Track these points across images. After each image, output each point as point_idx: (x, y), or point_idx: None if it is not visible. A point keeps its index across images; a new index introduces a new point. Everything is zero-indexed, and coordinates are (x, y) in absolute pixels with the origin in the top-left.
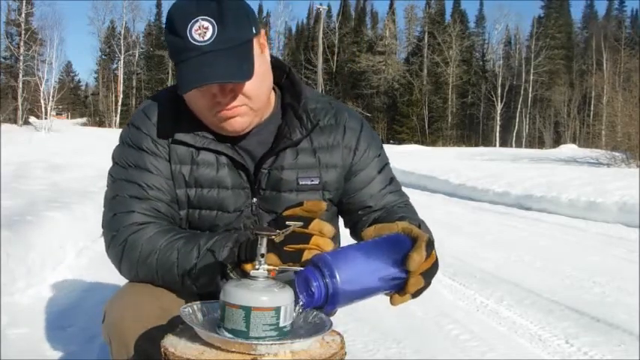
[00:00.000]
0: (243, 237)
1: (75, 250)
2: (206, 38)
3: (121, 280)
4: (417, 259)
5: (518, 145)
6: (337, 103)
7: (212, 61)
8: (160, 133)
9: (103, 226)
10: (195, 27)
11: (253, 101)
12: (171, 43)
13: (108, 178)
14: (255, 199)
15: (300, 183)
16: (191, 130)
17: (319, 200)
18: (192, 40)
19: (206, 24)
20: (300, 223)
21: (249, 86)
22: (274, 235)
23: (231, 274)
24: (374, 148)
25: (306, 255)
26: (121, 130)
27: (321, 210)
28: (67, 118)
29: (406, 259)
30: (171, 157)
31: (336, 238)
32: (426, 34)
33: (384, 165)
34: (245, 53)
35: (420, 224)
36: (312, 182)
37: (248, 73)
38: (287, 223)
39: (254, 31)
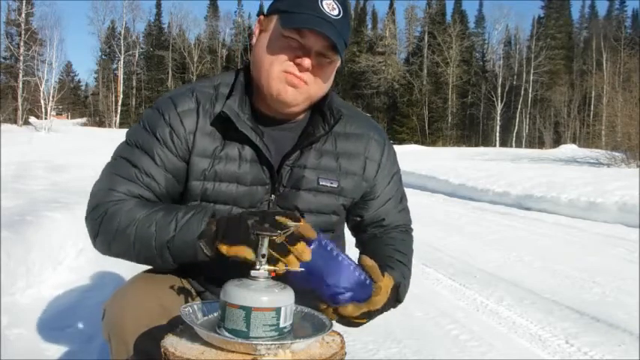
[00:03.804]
0: (221, 213)
1: (75, 250)
2: (333, 13)
3: (122, 280)
4: (348, 311)
5: (518, 145)
6: (364, 115)
7: (330, 28)
8: (184, 123)
9: (89, 195)
10: (328, 1)
11: (316, 87)
12: None
13: (113, 152)
14: (273, 196)
15: (320, 184)
16: (237, 112)
17: (312, 227)
18: (320, 6)
19: (335, 5)
20: (301, 224)
21: (324, 72)
22: (275, 236)
23: (205, 250)
24: (395, 164)
25: (278, 270)
26: (120, 130)
27: (309, 238)
28: (67, 118)
29: (344, 304)
30: (193, 149)
31: (340, 241)
32: (426, 34)
33: (399, 180)
34: (344, 45)
35: (401, 265)
36: (332, 185)
37: (342, 59)
38: (288, 224)
39: (348, 40)
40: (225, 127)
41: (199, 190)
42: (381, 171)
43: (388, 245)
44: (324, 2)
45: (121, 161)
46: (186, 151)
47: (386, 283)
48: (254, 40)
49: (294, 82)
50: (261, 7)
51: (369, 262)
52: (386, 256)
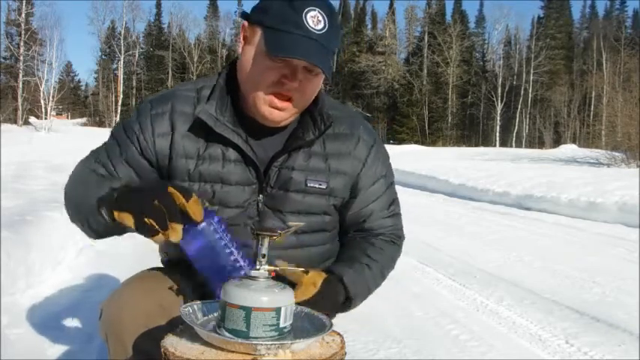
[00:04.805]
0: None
1: (75, 250)
2: (317, 28)
3: (121, 280)
4: None
5: (518, 145)
6: (354, 114)
7: (315, 48)
8: (153, 125)
9: None
10: (312, 14)
11: (304, 101)
12: (279, 10)
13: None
14: (261, 196)
15: (309, 185)
16: (214, 115)
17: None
18: (305, 22)
19: (321, 17)
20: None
21: (312, 87)
22: (275, 236)
23: (103, 214)
24: (382, 165)
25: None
26: None
27: (195, 220)
28: (67, 118)
29: None
30: (173, 151)
31: (336, 240)
32: (426, 34)
33: (389, 185)
34: (332, 58)
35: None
36: (320, 186)
37: (331, 74)
38: (289, 224)
39: (338, 47)
40: (206, 128)
41: None
42: (366, 170)
43: (357, 249)
44: (308, 16)
45: (101, 147)
46: (152, 154)
47: (310, 278)
48: (240, 48)
49: (278, 106)
50: (252, 10)
51: (279, 263)
52: (347, 255)
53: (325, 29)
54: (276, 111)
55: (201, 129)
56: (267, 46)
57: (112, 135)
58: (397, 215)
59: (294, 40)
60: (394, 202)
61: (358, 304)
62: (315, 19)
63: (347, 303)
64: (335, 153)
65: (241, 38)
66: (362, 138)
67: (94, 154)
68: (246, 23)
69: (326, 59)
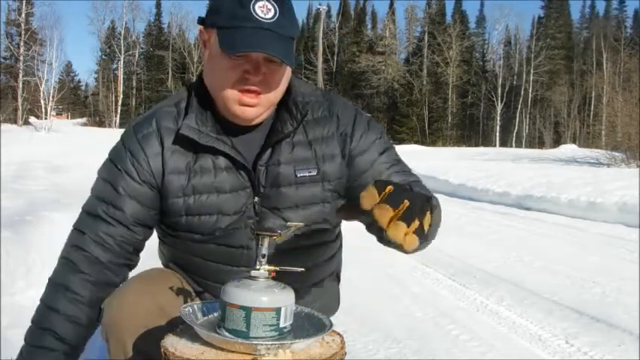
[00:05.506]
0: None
1: None
2: (267, 17)
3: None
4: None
5: (518, 145)
6: (331, 96)
7: (269, 37)
8: (144, 148)
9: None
10: (260, 4)
11: (274, 93)
12: (228, 8)
13: (91, 190)
14: (256, 198)
15: (298, 175)
16: (197, 128)
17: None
18: (254, 13)
19: (270, 5)
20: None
21: (278, 77)
22: (275, 236)
23: None
24: (372, 133)
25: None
26: (121, 130)
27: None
28: (67, 118)
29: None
30: (165, 168)
31: (338, 234)
32: (426, 34)
33: (387, 147)
34: (292, 46)
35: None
36: (311, 174)
37: (292, 62)
38: (288, 224)
39: (296, 33)
40: (192, 142)
41: (181, 206)
42: (355, 138)
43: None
44: (256, 7)
45: (92, 199)
46: (150, 175)
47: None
48: (202, 54)
49: (248, 103)
50: (206, 13)
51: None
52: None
53: (276, 17)
54: (248, 108)
55: (187, 143)
56: (221, 46)
57: (102, 179)
58: (409, 170)
59: (246, 34)
60: (399, 161)
61: (439, 215)
62: (264, 9)
63: (430, 201)
64: (319, 138)
65: (201, 44)
66: (341, 116)
67: (90, 207)
68: (202, 28)
69: (282, 46)
